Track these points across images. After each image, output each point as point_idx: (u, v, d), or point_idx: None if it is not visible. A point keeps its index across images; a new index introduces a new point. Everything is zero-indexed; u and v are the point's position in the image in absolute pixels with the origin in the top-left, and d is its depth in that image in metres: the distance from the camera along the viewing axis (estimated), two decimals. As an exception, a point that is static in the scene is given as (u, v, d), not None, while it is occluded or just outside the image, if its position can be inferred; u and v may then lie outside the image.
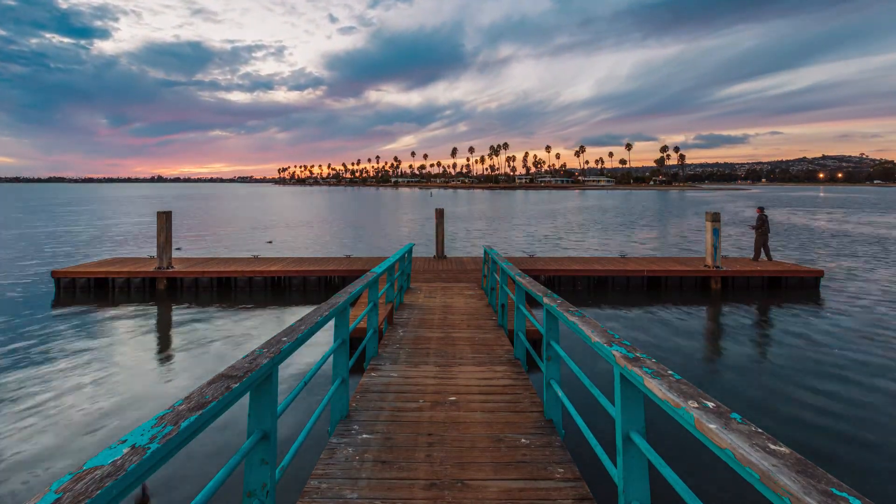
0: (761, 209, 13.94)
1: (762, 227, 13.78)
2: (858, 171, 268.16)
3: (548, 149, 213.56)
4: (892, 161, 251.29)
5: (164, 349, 8.17)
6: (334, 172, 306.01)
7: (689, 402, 1.70)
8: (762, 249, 13.92)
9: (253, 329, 9.18)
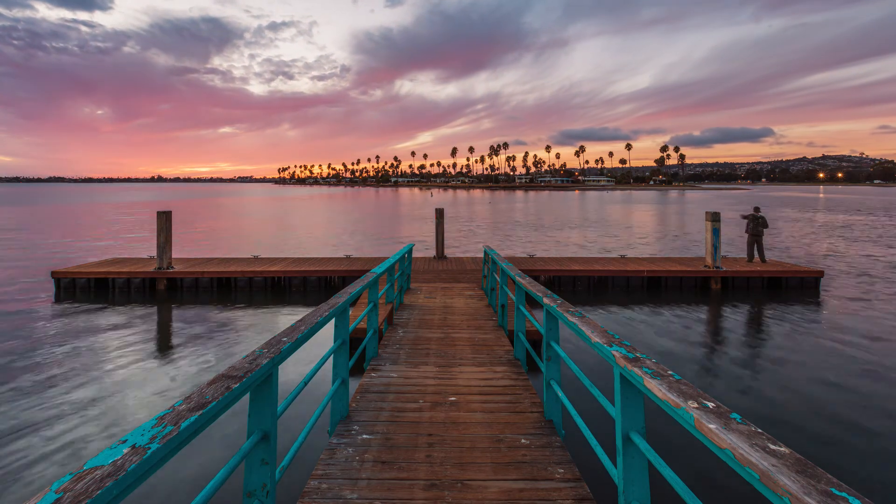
0: (756, 209, 13.96)
1: (753, 226, 13.79)
2: (858, 171, 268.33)
3: (548, 148, 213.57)
4: (892, 161, 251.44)
5: (163, 350, 8.17)
6: (334, 172, 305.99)
7: (689, 402, 1.70)
8: (754, 249, 13.90)
9: (253, 329, 9.18)
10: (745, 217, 14.17)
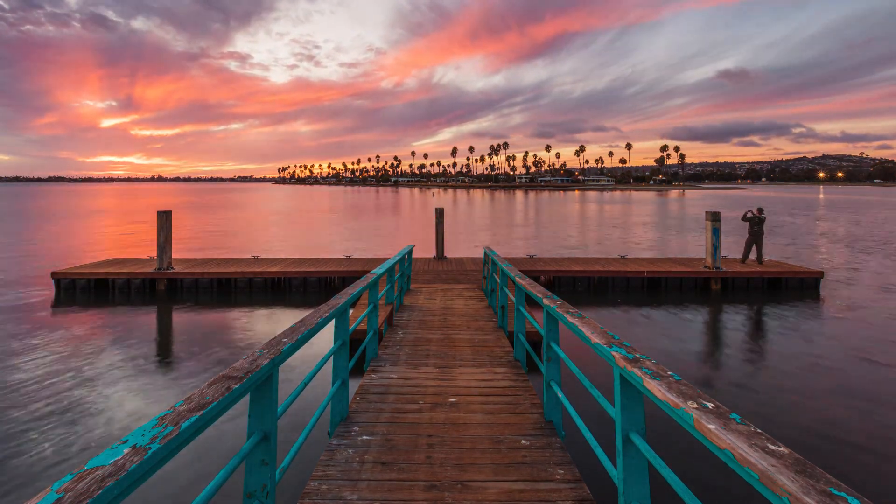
0: (759, 210, 13.91)
1: (752, 226, 13.72)
2: (858, 171, 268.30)
3: (548, 148, 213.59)
4: (893, 160, 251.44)
5: (163, 351, 8.18)
6: (334, 172, 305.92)
7: (689, 402, 1.71)
8: (753, 249, 13.84)
9: (253, 330, 9.19)
10: (747, 219, 13.93)
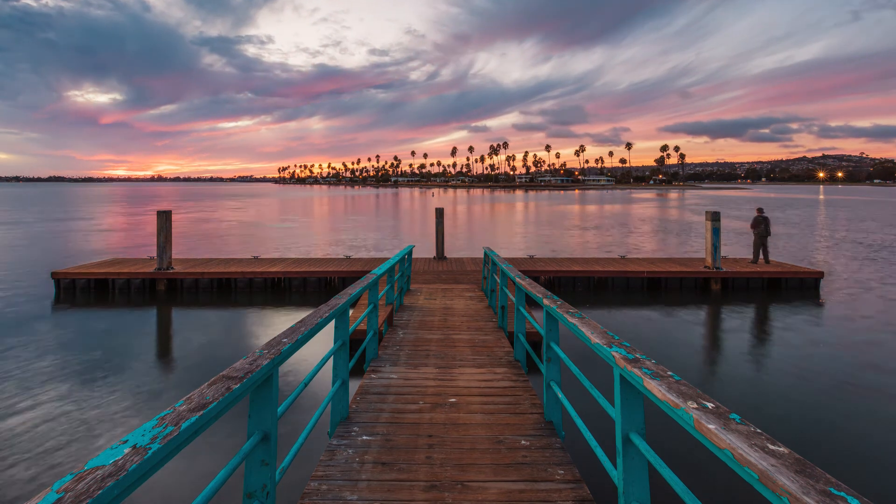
0: (760, 210, 13.93)
1: (758, 227, 13.71)
2: (859, 171, 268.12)
3: (547, 148, 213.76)
4: (893, 160, 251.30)
5: (163, 351, 8.18)
6: (334, 172, 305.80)
7: (689, 402, 1.71)
8: (760, 251, 13.85)
9: (253, 330, 9.19)
10: (755, 224, 13.83)
